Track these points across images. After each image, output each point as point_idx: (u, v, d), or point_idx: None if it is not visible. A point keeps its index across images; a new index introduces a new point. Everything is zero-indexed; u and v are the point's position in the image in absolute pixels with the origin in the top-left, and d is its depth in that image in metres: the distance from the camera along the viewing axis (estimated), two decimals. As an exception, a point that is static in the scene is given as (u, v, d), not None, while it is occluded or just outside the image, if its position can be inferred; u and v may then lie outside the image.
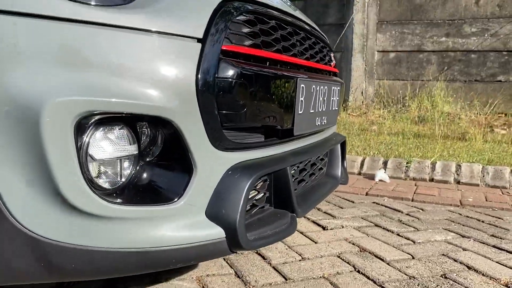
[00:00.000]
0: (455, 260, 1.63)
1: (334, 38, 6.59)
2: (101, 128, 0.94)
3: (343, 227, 2.00)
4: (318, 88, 1.47)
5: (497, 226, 2.08)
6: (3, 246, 0.89)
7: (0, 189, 0.86)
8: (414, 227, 2.02)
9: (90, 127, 0.91)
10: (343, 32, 6.57)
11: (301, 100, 1.34)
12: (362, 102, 6.44)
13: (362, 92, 6.45)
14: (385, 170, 3.07)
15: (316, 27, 1.81)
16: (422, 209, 2.35)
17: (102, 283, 1.37)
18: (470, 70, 5.97)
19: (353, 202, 2.46)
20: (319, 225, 2.02)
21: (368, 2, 6.35)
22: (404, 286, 1.41)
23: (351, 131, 4.60)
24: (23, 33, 0.85)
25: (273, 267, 1.53)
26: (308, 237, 1.84)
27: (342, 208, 2.32)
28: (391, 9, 6.30)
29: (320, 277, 1.46)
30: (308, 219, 2.10)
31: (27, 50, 0.85)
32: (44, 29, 0.86)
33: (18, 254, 0.90)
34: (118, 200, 0.95)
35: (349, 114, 6.10)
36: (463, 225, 2.08)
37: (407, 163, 3.11)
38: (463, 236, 1.91)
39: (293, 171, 1.48)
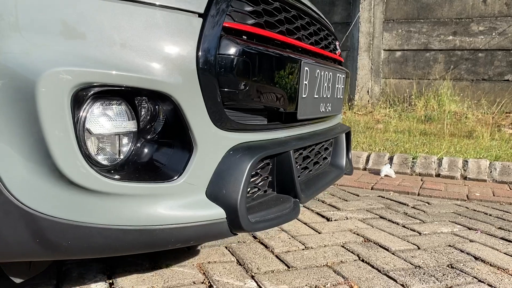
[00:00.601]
0: (462, 251, 1.60)
1: (340, 37, 6.55)
2: (99, 103, 0.92)
3: (347, 218, 1.97)
4: (322, 73, 1.45)
5: (504, 220, 2.04)
6: (-1, 221, 0.87)
7: (-5, 162, 0.84)
8: (420, 220, 1.99)
9: (88, 101, 0.89)
10: (349, 30, 6.54)
11: (305, 84, 1.32)
12: (368, 101, 6.39)
13: (368, 91, 6.41)
14: (391, 165, 3.03)
15: (322, 15, 1.78)
16: (428, 203, 2.31)
17: (101, 267, 1.35)
18: (477, 69, 5.91)
19: (358, 195, 2.43)
20: (323, 216, 1.99)
21: (374, 0, 6.32)
22: (409, 275, 1.37)
23: (357, 129, 4.56)
24: (22, 3, 0.83)
25: (276, 256, 1.50)
26: (312, 228, 1.81)
27: (346, 200, 2.29)
28: (398, 8, 6.26)
29: (324, 265, 1.44)
30: (312, 210, 2.07)
31: (24, 19, 0.83)
32: (43, 0, 0.84)
33: (13, 229, 0.88)
34: (117, 176, 0.93)
35: (354, 113, 6.06)
36: (470, 218, 2.04)
37: (413, 158, 3.07)
38: (470, 229, 1.88)
39: (297, 158, 1.46)
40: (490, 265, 1.48)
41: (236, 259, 1.46)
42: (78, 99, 0.87)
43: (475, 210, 2.20)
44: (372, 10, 6.34)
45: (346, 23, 6.70)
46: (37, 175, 0.87)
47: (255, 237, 1.66)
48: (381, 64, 6.37)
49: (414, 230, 1.82)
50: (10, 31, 0.82)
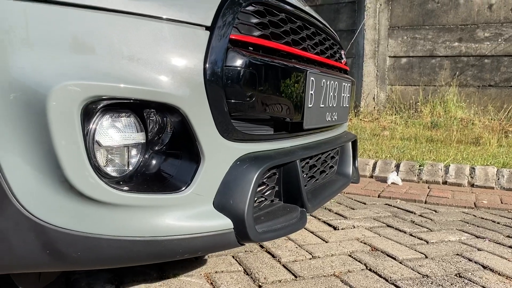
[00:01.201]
0: (470, 260, 1.59)
1: (345, 44, 6.57)
2: (108, 115, 0.93)
3: (354, 227, 1.96)
4: (328, 83, 1.46)
5: (513, 228, 2.03)
6: (9, 233, 0.88)
7: (7, 175, 0.85)
8: (427, 228, 1.98)
9: (97, 113, 0.91)
10: (354, 37, 6.55)
11: (311, 94, 1.32)
12: (374, 107, 6.39)
13: (373, 98, 6.41)
14: (397, 173, 3.02)
15: (327, 25, 1.79)
16: (435, 211, 2.30)
17: (109, 277, 1.36)
18: (483, 75, 5.89)
19: (364, 203, 2.43)
20: (330, 225, 1.99)
21: (379, 7, 6.33)
22: (417, 284, 1.37)
23: (363, 136, 4.56)
24: (33, 18, 0.85)
25: (283, 265, 1.50)
26: (319, 237, 1.81)
27: (353, 209, 2.29)
28: (403, 15, 6.27)
29: (331, 275, 1.43)
30: (319, 219, 2.07)
31: (35, 34, 0.84)
32: (53, 15, 0.86)
33: (24, 241, 0.89)
34: (125, 188, 0.94)
35: (360, 119, 6.06)
36: (477, 226, 2.03)
37: (420, 166, 3.06)
38: (478, 237, 1.87)
39: (303, 167, 1.46)
40: (499, 274, 1.47)
41: (244, 269, 1.46)
42: (88, 112, 0.88)
43: (482, 218, 2.19)
44: (377, 17, 6.35)
45: (351, 31, 6.72)
46: (47, 187, 0.88)
47: (262, 246, 1.66)
48: (387, 71, 6.37)
49: (421, 239, 1.82)
50: (21, 46, 0.84)
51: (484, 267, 1.53)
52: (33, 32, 0.85)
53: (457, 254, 1.64)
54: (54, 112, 0.84)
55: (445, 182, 2.94)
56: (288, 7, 1.34)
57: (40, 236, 0.89)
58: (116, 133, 0.95)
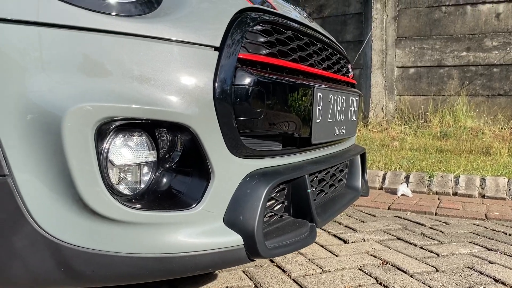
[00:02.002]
0: (481, 273, 1.58)
1: (352, 55, 6.59)
2: (121, 135, 0.96)
3: (364, 240, 1.96)
4: (335, 98, 1.47)
5: (525, 240, 2.01)
6: (25, 251, 0.90)
7: (23, 194, 0.88)
8: (438, 240, 1.97)
9: (110, 133, 0.93)
10: (362, 48, 6.57)
11: (319, 109, 1.34)
12: (383, 118, 6.38)
13: (382, 108, 6.41)
14: (407, 184, 3.01)
15: (334, 40, 1.82)
16: (445, 223, 2.29)
17: (122, 294, 1.38)
18: (492, 84, 5.87)
19: (374, 216, 2.42)
20: (340, 238, 1.99)
21: (386, 18, 6.36)
22: (428, 298, 1.37)
23: (372, 147, 4.55)
24: (47, 42, 0.88)
25: (293, 280, 1.51)
26: (329, 250, 1.81)
27: (363, 222, 2.29)
28: (410, 25, 6.29)
29: (341, 289, 1.44)
30: (329, 232, 2.07)
31: (50, 59, 0.87)
32: (67, 39, 0.89)
33: (39, 259, 0.91)
34: (138, 206, 0.96)
35: (369, 130, 6.05)
36: (489, 238, 2.02)
37: (429, 177, 3.05)
38: (489, 249, 1.86)
39: (312, 181, 1.47)
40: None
41: (254, 284, 1.47)
42: (101, 132, 0.91)
43: (494, 230, 2.17)
44: (384, 28, 6.38)
45: (358, 42, 6.75)
46: (61, 205, 0.90)
47: (272, 261, 1.67)
48: (395, 81, 6.38)
49: (432, 252, 1.81)
50: (37, 70, 0.87)
51: (496, 280, 1.52)
52: (47, 56, 0.87)
53: (468, 267, 1.64)
54: (69, 133, 0.86)
55: (455, 193, 2.92)
56: (294, 24, 1.36)
57: (55, 254, 0.91)
58: (129, 152, 0.97)
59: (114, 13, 0.93)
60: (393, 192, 2.97)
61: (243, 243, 1.05)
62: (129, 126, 0.96)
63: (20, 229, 0.89)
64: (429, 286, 1.46)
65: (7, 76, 0.86)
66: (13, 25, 0.87)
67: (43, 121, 0.86)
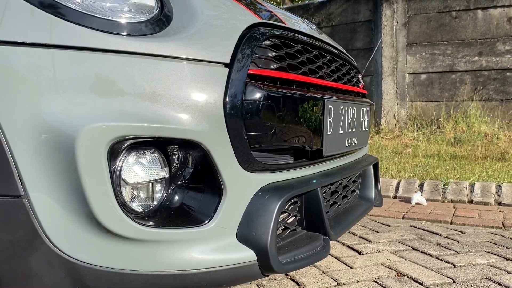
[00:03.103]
0: (500, 284, 1.55)
1: (363, 63, 6.58)
2: (133, 153, 0.97)
3: (379, 251, 1.94)
4: (346, 109, 1.47)
5: (544, 248, 1.97)
6: (41, 270, 0.91)
7: (38, 213, 0.89)
8: (454, 250, 1.94)
9: (123, 152, 0.94)
10: (372, 56, 6.56)
11: (329, 121, 1.34)
12: (395, 125, 6.34)
13: (394, 115, 6.37)
14: (421, 192, 2.98)
15: (343, 50, 1.82)
16: (462, 232, 2.26)
17: (136, 309, 1.38)
18: (506, 88, 5.80)
19: (389, 226, 2.40)
20: (354, 249, 1.97)
21: (396, 25, 6.34)
22: (445, 311, 1.35)
23: (385, 155, 4.52)
24: (60, 64, 0.90)
25: (308, 293, 1.50)
26: (343, 262, 1.80)
27: (378, 232, 2.27)
28: (420, 31, 6.26)
29: (357, 302, 1.42)
30: (343, 244, 2.06)
31: (63, 80, 0.89)
32: (79, 60, 0.91)
33: (55, 278, 0.92)
34: (151, 223, 0.96)
35: (382, 137, 6.01)
36: (506, 248, 1.98)
37: (444, 184, 3.01)
38: (507, 259, 1.82)
39: (325, 193, 1.47)
40: (531, 299, 1.43)
41: (268, 297, 1.46)
42: (114, 151, 0.92)
43: (511, 239, 2.13)
44: (394, 34, 6.36)
45: (368, 49, 6.73)
46: (76, 225, 0.91)
47: (286, 274, 1.66)
48: (407, 88, 6.34)
49: (448, 262, 1.79)
50: (50, 91, 0.88)
51: (515, 291, 1.49)
52: (60, 78, 0.89)
53: (486, 278, 1.61)
54: (82, 152, 0.87)
55: (471, 201, 2.88)
56: (303, 37, 1.37)
57: (70, 272, 0.92)
58: (141, 170, 0.98)
59: (125, 33, 0.95)
60: (407, 200, 2.94)
61: (256, 258, 1.05)
62: (141, 144, 0.97)
63: (36, 249, 0.90)
64: (446, 298, 1.44)
65: (21, 97, 0.87)
66: (27, 48, 0.89)
67: (56, 141, 0.88)
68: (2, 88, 0.87)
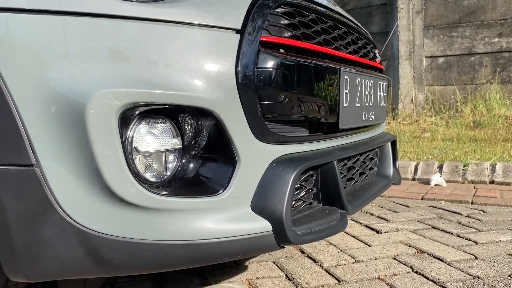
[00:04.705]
0: (524, 260, 1.50)
1: (379, 47, 6.46)
2: (145, 121, 0.95)
3: (398, 230, 1.91)
4: (363, 82, 1.43)
5: None
6: (54, 240, 0.91)
7: (50, 183, 0.88)
8: (475, 228, 1.89)
9: (134, 120, 0.93)
10: (388, 39, 6.44)
11: (346, 93, 1.30)
12: (413, 110, 6.23)
13: (412, 100, 6.26)
14: (440, 174, 2.92)
15: (359, 24, 1.77)
16: (483, 211, 2.20)
17: (152, 285, 1.38)
18: (527, 70, 5.64)
19: (408, 206, 2.35)
20: (372, 229, 1.94)
21: (412, 8, 6.21)
22: (468, 286, 1.31)
23: (403, 139, 4.44)
24: (70, 31, 0.88)
25: (325, 270, 1.47)
26: (361, 241, 1.77)
27: (396, 212, 2.22)
28: (438, 13, 6.12)
29: (376, 278, 1.39)
30: (361, 223, 2.02)
31: (72, 46, 0.88)
32: (89, 26, 0.89)
33: (69, 248, 0.91)
34: (164, 192, 0.95)
35: (399, 122, 5.92)
36: (530, 226, 1.92)
37: (464, 166, 2.95)
38: (531, 236, 1.77)
39: (342, 168, 1.43)
40: (557, 274, 1.38)
41: (285, 274, 1.44)
42: (125, 119, 0.90)
43: (535, 217, 2.07)
44: (411, 18, 6.23)
45: (384, 33, 6.61)
46: (89, 194, 0.90)
47: (302, 252, 1.64)
48: (424, 72, 6.22)
49: (469, 240, 1.74)
50: (60, 58, 0.87)
51: (540, 267, 1.44)
52: (70, 44, 0.88)
53: (510, 254, 1.56)
54: (93, 120, 0.86)
55: (492, 182, 2.81)
56: (318, 7, 1.33)
57: (84, 242, 0.91)
58: (153, 139, 0.96)
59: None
60: (426, 182, 2.88)
61: (271, 229, 1.03)
62: (152, 112, 0.95)
63: (49, 218, 0.90)
64: (468, 274, 1.40)
65: (31, 66, 0.86)
66: (37, 15, 0.87)
67: (67, 109, 0.86)
68: (12, 56, 0.86)
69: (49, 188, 0.89)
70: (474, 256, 1.55)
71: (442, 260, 1.52)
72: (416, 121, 5.93)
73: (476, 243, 1.70)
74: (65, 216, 0.90)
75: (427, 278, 1.37)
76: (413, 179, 3.02)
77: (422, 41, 6.20)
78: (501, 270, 1.42)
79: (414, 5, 6.22)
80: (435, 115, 5.92)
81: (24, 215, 0.90)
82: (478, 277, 1.37)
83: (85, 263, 0.92)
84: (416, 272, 1.43)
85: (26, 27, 0.87)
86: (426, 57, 6.21)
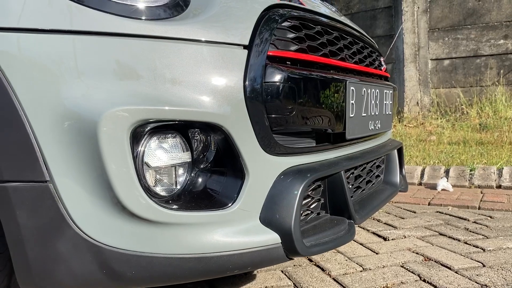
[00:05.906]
0: (532, 267, 1.51)
1: (384, 50, 6.47)
2: (155, 137, 0.97)
3: (405, 237, 1.91)
4: (369, 91, 1.44)
5: None
6: (68, 254, 0.92)
7: (63, 199, 0.90)
8: (483, 235, 1.89)
9: (145, 136, 0.94)
10: (393, 42, 6.44)
11: (352, 103, 1.32)
12: (418, 112, 6.22)
13: (417, 102, 6.25)
14: (447, 179, 2.92)
15: (364, 33, 1.78)
16: (490, 217, 2.20)
17: (162, 295, 1.39)
18: (534, 71, 5.62)
19: (414, 212, 2.35)
20: (379, 236, 1.94)
21: (417, 10, 6.21)
22: (476, 294, 1.31)
23: (409, 143, 4.44)
24: (81, 50, 0.90)
25: (333, 278, 1.48)
26: (368, 248, 1.78)
27: (403, 218, 2.23)
28: (442, 16, 6.11)
29: (384, 287, 1.40)
30: (368, 230, 2.03)
31: (83, 65, 0.89)
32: (100, 45, 0.91)
33: (82, 261, 0.93)
34: (174, 206, 0.97)
35: (405, 125, 5.91)
36: (538, 231, 1.92)
37: (470, 170, 2.94)
38: (539, 243, 1.77)
39: (349, 177, 1.44)
40: None
41: (293, 283, 1.45)
42: (136, 135, 0.92)
43: (543, 222, 2.07)
44: (416, 20, 6.22)
45: (389, 36, 6.62)
46: (101, 209, 0.92)
47: (310, 260, 1.65)
48: (429, 74, 6.21)
49: (477, 247, 1.74)
50: (71, 77, 0.89)
51: (549, 274, 1.44)
52: (81, 63, 0.90)
53: (518, 262, 1.56)
54: (105, 137, 0.88)
55: (499, 186, 2.81)
56: (323, 19, 1.34)
57: (97, 256, 0.93)
58: (164, 154, 0.98)
59: (143, 18, 0.95)
60: (433, 187, 2.88)
61: (280, 241, 1.04)
62: (163, 128, 0.97)
63: (62, 233, 0.91)
64: (476, 282, 1.40)
65: (44, 85, 0.88)
66: (48, 35, 0.89)
67: (79, 126, 0.88)
68: (25, 75, 0.88)
69: (63, 204, 0.90)
70: (482, 263, 1.56)
71: (449, 268, 1.52)
72: (422, 123, 5.92)
73: (484, 250, 1.70)
74: (78, 231, 0.92)
75: (435, 287, 1.38)
76: (420, 184, 3.02)
77: (427, 44, 6.20)
78: (509, 278, 1.42)
79: (418, 7, 6.22)
80: (440, 118, 5.91)
81: (38, 230, 0.92)
82: (486, 285, 1.37)
83: (98, 277, 0.94)
84: (424, 281, 1.43)
85: (37, 47, 0.89)
86: (431, 59, 6.20)
